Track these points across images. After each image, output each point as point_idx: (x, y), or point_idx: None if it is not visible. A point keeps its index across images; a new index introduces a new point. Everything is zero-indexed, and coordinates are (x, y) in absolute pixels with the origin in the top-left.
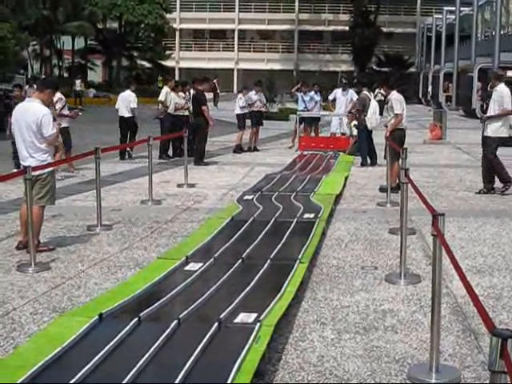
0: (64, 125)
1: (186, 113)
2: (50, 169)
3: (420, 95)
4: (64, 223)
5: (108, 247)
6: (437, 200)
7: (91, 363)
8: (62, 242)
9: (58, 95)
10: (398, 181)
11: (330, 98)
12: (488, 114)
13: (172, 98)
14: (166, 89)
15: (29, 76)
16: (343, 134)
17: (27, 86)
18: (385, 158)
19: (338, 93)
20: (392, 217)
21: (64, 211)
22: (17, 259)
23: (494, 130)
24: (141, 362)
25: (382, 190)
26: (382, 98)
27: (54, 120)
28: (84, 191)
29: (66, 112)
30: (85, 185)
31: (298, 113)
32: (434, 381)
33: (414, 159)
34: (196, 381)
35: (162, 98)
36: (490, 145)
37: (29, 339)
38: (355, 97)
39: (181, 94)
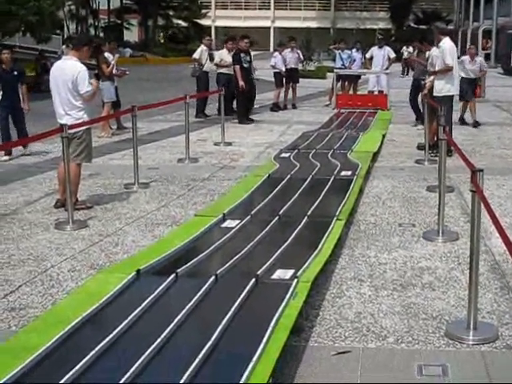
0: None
1: (225, 71)
2: (86, 127)
3: (459, 53)
4: (101, 181)
5: (145, 205)
6: (475, 158)
7: (128, 319)
8: (100, 200)
9: (107, 54)
10: (436, 138)
11: (367, 56)
12: None
13: (208, 56)
14: (201, 47)
15: (65, 36)
16: (380, 91)
17: (64, 46)
18: (423, 115)
19: (374, 50)
20: (430, 174)
21: (101, 170)
22: (55, 217)
23: None
24: (178, 318)
25: (420, 147)
26: (407, 56)
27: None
28: (121, 150)
29: (114, 71)
30: (122, 143)
31: (335, 70)
32: (471, 338)
33: (452, 118)
34: (234, 336)
35: (196, 55)
36: None
37: (67, 296)
38: (392, 54)
39: (223, 51)
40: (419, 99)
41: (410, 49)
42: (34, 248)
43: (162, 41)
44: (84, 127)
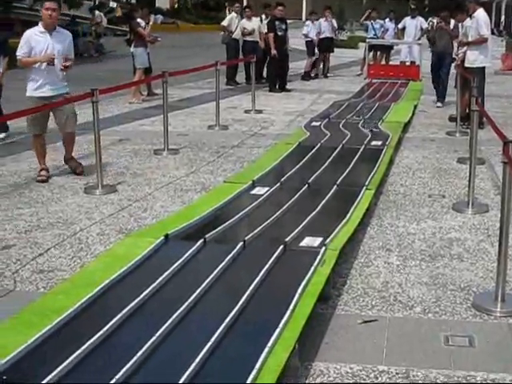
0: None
1: (250, 38)
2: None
3: (492, 25)
4: (131, 147)
5: (175, 171)
6: (507, 130)
7: (156, 283)
8: (129, 165)
9: (139, 20)
10: (467, 110)
11: (400, 26)
12: None
13: (239, 24)
14: (231, 14)
15: (96, 2)
16: (413, 62)
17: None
18: (455, 87)
19: (407, 20)
20: (461, 146)
21: (131, 135)
22: (84, 181)
23: None
24: (205, 283)
25: (452, 119)
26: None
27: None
28: (151, 116)
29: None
30: (152, 110)
31: (367, 40)
32: (499, 310)
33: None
34: (261, 302)
35: (224, 23)
36: None
37: (95, 259)
38: (425, 24)
39: (254, 18)
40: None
41: (435, 20)
42: (63, 211)
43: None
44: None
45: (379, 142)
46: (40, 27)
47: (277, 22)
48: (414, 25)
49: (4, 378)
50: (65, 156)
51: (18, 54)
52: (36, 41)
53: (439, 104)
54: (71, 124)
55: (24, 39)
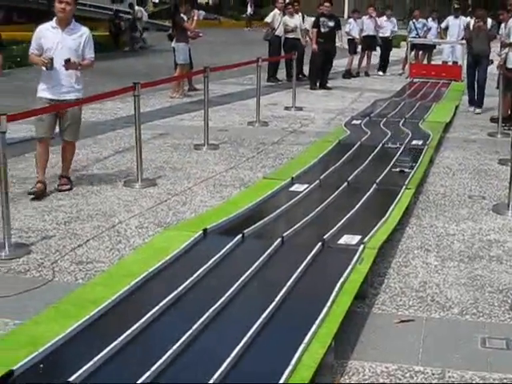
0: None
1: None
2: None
3: None
4: (171, 141)
5: (214, 166)
6: None
7: (194, 276)
8: (169, 159)
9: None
10: (510, 111)
11: (443, 25)
12: None
13: (281, 20)
14: (274, 10)
15: None
16: (455, 62)
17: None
18: (497, 87)
19: (450, 20)
20: (502, 147)
21: (171, 130)
22: (124, 174)
23: None
24: (243, 278)
25: (493, 120)
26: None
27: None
28: (192, 111)
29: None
30: (193, 105)
31: (409, 39)
32: None
33: None
34: (298, 298)
35: (268, 19)
36: None
37: (134, 251)
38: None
39: (296, 15)
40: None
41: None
42: (102, 204)
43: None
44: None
45: (420, 142)
46: (53, 22)
47: (322, 19)
48: (456, 24)
49: (40, 366)
50: (61, 171)
51: (30, 49)
52: (46, 37)
53: (478, 110)
54: (73, 132)
55: (35, 34)
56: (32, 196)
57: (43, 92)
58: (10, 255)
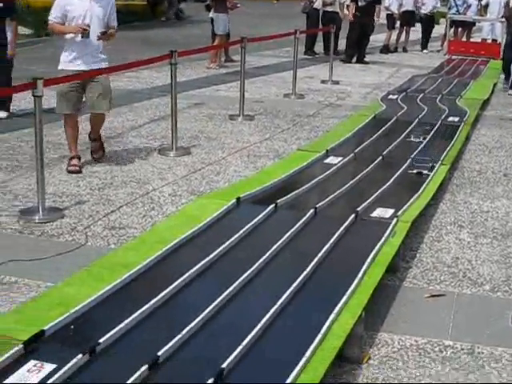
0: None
1: (329, 9)
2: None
3: None
4: (206, 111)
5: (249, 137)
6: None
7: (225, 244)
8: (204, 129)
9: None
10: None
11: (483, 2)
12: None
13: None
14: None
15: None
16: (494, 40)
17: None
18: None
19: None
20: None
21: (207, 100)
22: (159, 143)
23: None
24: (274, 247)
25: None
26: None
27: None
28: (228, 82)
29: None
30: (229, 76)
31: (448, 16)
32: None
33: None
34: (329, 268)
35: None
36: None
37: (167, 218)
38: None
39: None
40: None
41: None
42: (136, 171)
43: None
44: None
45: (456, 119)
46: None
47: None
48: (497, 2)
49: (72, 327)
50: (90, 134)
51: (49, 18)
52: (73, 4)
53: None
54: (104, 104)
55: (57, 2)
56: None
57: (70, 64)
58: (44, 219)
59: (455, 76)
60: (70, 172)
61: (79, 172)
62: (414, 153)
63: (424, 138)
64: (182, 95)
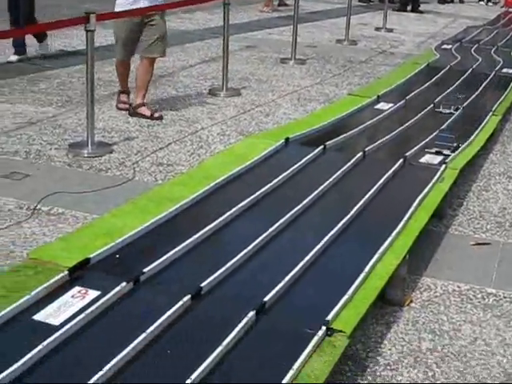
0: None
1: None
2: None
3: None
4: (258, 54)
5: (300, 80)
6: None
7: (272, 183)
8: (255, 71)
9: None
10: None
11: None
12: None
13: None
14: None
15: None
16: None
17: None
18: None
19: None
20: None
21: (259, 43)
22: (209, 83)
23: None
24: (321, 188)
25: None
26: None
27: None
28: (280, 26)
29: None
30: (282, 20)
31: None
32: None
33: None
34: (375, 210)
35: None
36: None
37: (215, 155)
38: None
39: None
40: None
41: None
42: (186, 110)
43: None
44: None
45: (510, 70)
46: None
47: None
48: None
49: (117, 256)
50: (132, 103)
51: None
52: None
53: None
54: (159, 47)
55: None
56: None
57: (127, 6)
58: (93, 153)
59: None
60: (119, 109)
61: (128, 110)
62: (466, 102)
63: (477, 89)
64: (233, 37)
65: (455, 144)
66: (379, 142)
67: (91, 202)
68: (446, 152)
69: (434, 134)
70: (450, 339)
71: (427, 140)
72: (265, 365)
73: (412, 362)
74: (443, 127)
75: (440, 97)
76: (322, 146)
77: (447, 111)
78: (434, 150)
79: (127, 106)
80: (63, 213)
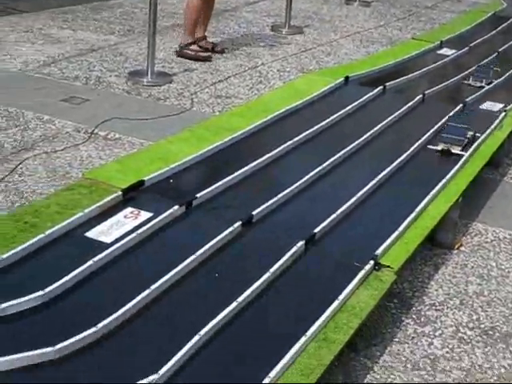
0: None
1: None
2: None
3: None
4: None
5: (363, 22)
6: None
7: (329, 119)
8: (318, 11)
9: None
10: None
11: None
12: None
13: None
14: None
15: None
16: None
17: None
18: None
19: None
20: None
21: None
22: (272, 20)
23: None
24: (378, 127)
25: None
26: None
27: None
28: None
29: None
30: None
31: None
32: None
33: None
34: (430, 152)
35: None
36: None
37: (274, 89)
38: None
39: None
40: None
41: None
42: (247, 45)
43: None
44: None
45: None
46: None
47: None
48: None
49: (170, 180)
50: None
51: None
52: None
53: None
54: None
55: None
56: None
57: None
58: (152, 82)
59: None
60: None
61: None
62: None
63: None
64: None
65: None
66: (440, 86)
67: (148, 129)
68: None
69: (497, 81)
70: (497, 285)
71: (489, 87)
72: (310, 294)
73: (458, 304)
74: (506, 75)
75: (505, 46)
76: (381, 87)
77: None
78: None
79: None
80: (120, 138)
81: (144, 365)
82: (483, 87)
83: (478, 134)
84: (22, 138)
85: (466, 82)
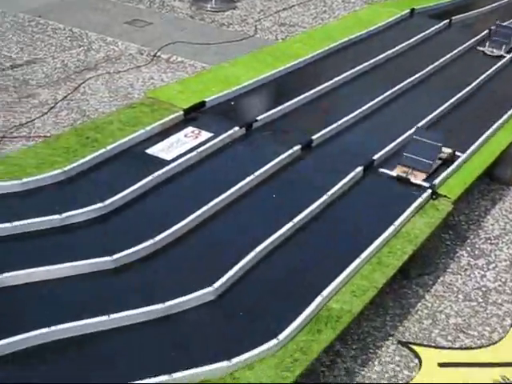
0: None
1: None
2: None
3: None
4: None
5: None
6: None
7: (393, 50)
8: None
9: None
10: None
11: None
12: None
13: None
14: None
15: None
16: None
17: None
18: None
19: None
20: None
21: None
22: None
23: None
24: (441, 60)
25: None
26: None
27: None
28: None
29: None
30: None
31: None
32: None
33: None
34: (492, 90)
35: None
36: None
37: (337, 19)
38: None
39: None
40: None
41: None
42: None
43: None
44: None
45: None
46: None
47: None
48: None
49: (232, 103)
50: None
51: None
52: None
53: None
54: None
55: None
56: None
57: None
58: (216, 8)
59: None
60: None
61: None
62: None
63: None
64: None
65: None
66: (509, 22)
67: (211, 53)
68: None
69: None
70: None
71: None
72: (367, 219)
73: None
74: None
75: None
76: (447, 20)
77: None
78: None
79: None
80: (182, 61)
81: (199, 279)
82: None
83: None
84: (85, 58)
85: None
